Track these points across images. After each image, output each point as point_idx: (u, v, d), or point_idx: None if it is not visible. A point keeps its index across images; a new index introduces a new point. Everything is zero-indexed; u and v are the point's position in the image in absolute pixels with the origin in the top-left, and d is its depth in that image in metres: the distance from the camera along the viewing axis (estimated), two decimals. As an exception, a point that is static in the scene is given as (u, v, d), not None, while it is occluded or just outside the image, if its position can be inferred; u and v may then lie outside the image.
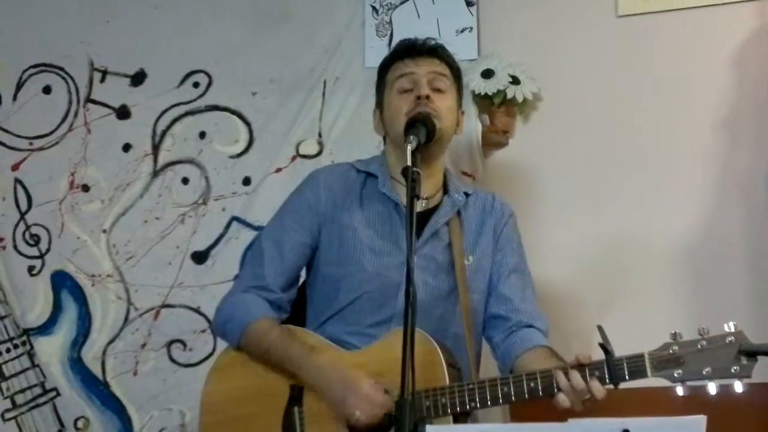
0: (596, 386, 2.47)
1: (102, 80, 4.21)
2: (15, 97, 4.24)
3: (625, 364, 2.47)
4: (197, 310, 3.95)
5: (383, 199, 2.91)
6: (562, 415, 2.41)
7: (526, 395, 2.53)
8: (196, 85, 4.12)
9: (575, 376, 2.48)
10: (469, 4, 3.91)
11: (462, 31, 3.89)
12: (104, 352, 3.99)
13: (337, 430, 2.62)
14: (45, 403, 4.00)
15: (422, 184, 2.55)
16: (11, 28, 4.28)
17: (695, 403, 2.23)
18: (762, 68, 3.57)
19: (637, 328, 3.46)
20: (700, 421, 1.86)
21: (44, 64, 4.25)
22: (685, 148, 3.63)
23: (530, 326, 2.85)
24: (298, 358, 2.71)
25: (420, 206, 2.85)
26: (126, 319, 4.00)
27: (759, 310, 3.48)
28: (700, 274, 3.51)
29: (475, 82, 3.71)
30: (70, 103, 4.21)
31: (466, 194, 2.99)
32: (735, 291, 3.51)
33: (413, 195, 2.47)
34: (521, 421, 2.57)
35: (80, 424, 3.98)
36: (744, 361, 2.37)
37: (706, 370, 2.40)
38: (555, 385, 2.50)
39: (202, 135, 4.09)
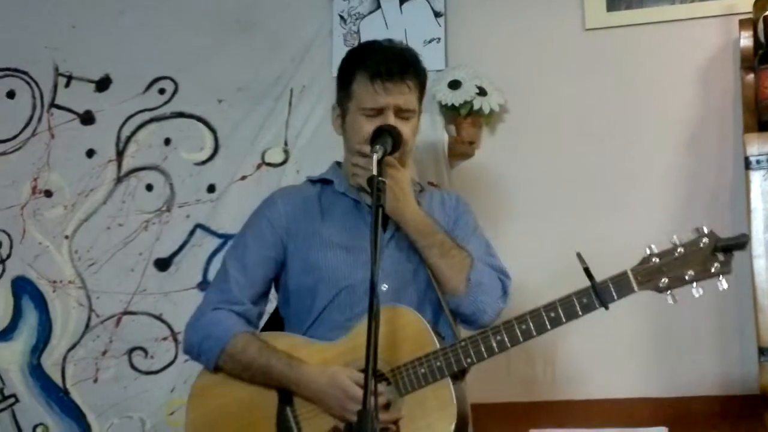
0: None
1: (67, 85, 4.19)
2: (-22, 102, 4.21)
3: (610, 285, 2.53)
4: (159, 318, 3.93)
5: (343, 199, 2.90)
6: (523, 426, 2.41)
7: (521, 338, 2.58)
8: (161, 91, 4.10)
9: None
10: (437, 15, 3.91)
11: (430, 41, 3.90)
12: (64, 359, 3.97)
13: (332, 422, 2.60)
14: (3, 409, 3.97)
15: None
16: (-25, 32, 4.25)
17: (658, 414, 2.24)
18: (726, 83, 3.60)
19: (601, 340, 3.49)
20: (661, 432, 1.87)
21: (8, 69, 4.23)
22: (650, 161, 3.65)
23: None
24: (280, 370, 2.68)
25: None
26: (87, 325, 3.98)
27: (719, 325, 3.50)
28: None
29: (442, 93, 3.72)
30: (34, 107, 4.18)
31: (421, 186, 2.99)
32: (697, 306, 3.52)
33: (379, 204, 2.46)
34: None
35: (39, 431, 3.94)
36: (721, 257, 2.45)
37: (689, 274, 2.47)
38: (547, 323, 2.55)
39: (167, 142, 4.07)
